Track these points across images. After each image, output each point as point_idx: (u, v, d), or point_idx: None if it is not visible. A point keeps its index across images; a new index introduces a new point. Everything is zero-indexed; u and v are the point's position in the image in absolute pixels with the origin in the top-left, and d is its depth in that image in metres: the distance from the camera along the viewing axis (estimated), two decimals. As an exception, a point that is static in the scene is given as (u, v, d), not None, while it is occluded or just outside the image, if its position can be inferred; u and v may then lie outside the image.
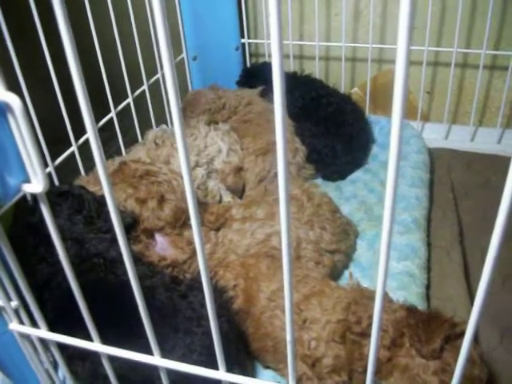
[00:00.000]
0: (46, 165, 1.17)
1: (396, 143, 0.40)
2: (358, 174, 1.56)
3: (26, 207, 1.04)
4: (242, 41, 1.83)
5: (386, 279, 0.50)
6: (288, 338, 0.55)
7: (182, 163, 0.48)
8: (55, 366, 0.88)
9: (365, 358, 0.87)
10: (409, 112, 1.77)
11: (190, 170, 0.48)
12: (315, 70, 1.77)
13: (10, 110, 0.48)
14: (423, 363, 0.81)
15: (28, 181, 0.53)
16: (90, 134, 0.49)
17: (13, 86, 0.50)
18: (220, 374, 0.61)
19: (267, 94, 1.65)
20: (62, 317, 0.83)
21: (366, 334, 0.87)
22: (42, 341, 0.79)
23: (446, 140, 1.76)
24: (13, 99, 0.47)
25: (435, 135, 1.76)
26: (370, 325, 0.87)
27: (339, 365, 0.87)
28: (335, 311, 0.90)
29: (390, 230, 0.45)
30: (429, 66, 1.70)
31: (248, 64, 1.89)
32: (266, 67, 1.78)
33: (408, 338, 0.83)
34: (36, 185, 0.53)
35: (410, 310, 0.87)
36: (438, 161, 1.59)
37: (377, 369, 0.89)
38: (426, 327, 0.82)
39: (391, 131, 0.40)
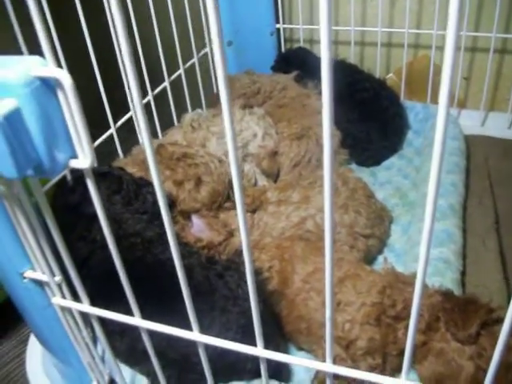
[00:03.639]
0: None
1: (441, 136, 0.40)
2: (392, 160, 1.55)
3: (66, 187, 1.07)
4: (277, 26, 1.82)
5: (427, 266, 0.50)
6: (327, 314, 0.55)
7: (229, 145, 0.48)
8: (94, 341, 0.90)
9: (399, 341, 0.87)
10: (444, 98, 1.74)
11: (236, 153, 0.49)
12: (350, 55, 1.76)
13: (59, 86, 0.49)
14: (459, 348, 0.81)
15: (75, 156, 0.54)
16: (138, 110, 0.49)
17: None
18: (258, 350, 0.62)
19: (302, 78, 1.64)
20: (99, 295, 0.85)
21: (400, 318, 0.88)
22: (83, 315, 0.81)
23: (483, 127, 1.73)
24: (63, 76, 0.48)
25: (471, 122, 1.72)
26: (404, 308, 0.88)
27: (373, 347, 0.87)
28: (370, 294, 0.90)
29: (433, 217, 0.45)
30: (466, 51, 1.67)
31: (283, 49, 1.88)
32: (301, 52, 1.77)
33: (443, 323, 0.83)
34: (83, 160, 0.54)
35: (446, 294, 0.86)
36: (474, 148, 1.56)
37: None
38: (462, 312, 0.82)
39: (437, 121, 0.40)
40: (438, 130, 0.40)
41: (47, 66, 0.50)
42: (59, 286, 0.76)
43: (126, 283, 0.67)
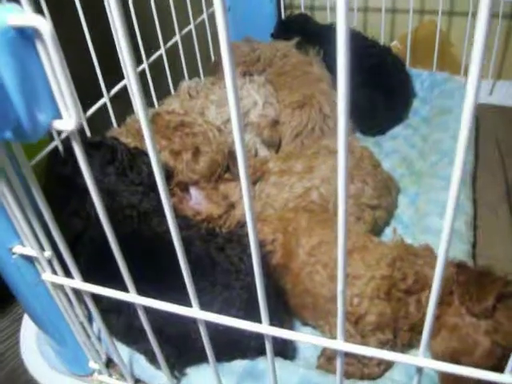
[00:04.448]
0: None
1: (469, 115, 0.35)
2: (397, 130, 1.50)
3: (58, 159, 1.02)
4: (277, -8, 1.75)
5: (451, 240, 0.45)
6: (339, 287, 0.51)
7: (232, 112, 0.43)
8: (90, 319, 0.86)
9: (410, 316, 0.83)
10: (451, 66, 1.69)
11: (240, 119, 0.43)
12: (352, 22, 1.69)
13: (38, 36, 0.44)
14: (474, 322, 0.77)
15: (59, 117, 0.49)
16: (131, 76, 0.44)
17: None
18: (263, 327, 0.58)
19: (303, 45, 1.58)
20: (94, 271, 0.81)
21: (411, 292, 0.83)
22: (76, 292, 0.77)
23: (491, 96, 1.67)
24: (42, 23, 0.43)
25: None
26: (415, 282, 0.83)
27: (383, 322, 0.83)
28: (379, 267, 0.85)
29: (458, 190, 0.40)
30: (473, 16, 1.60)
31: (283, 16, 1.82)
32: (302, 19, 1.72)
33: (457, 296, 0.78)
34: (67, 121, 0.49)
35: (460, 266, 0.82)
36: (482, 117, 1.51)
37: (423, 327, 0.85)
38: (477, 284, 0.77)
39: (465, 96, 0.37)
40: (466, 106, 0.37)
41: (24, 13, 0.44)
42: (49, 261, 0.72)
43: (119, 257, 0.62)
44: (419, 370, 0.55)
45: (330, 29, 1.63)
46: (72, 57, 1.10)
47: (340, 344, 0.56)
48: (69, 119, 0.49)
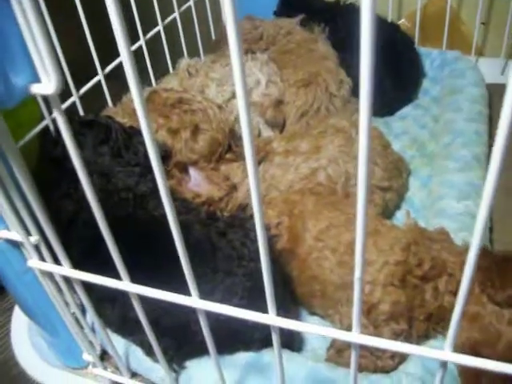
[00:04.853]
0: (69, 94, 1.07)
1: None
2: (407, 110, 1.43)
3: (49, 139, 0.96)
4: (280, -32, 1.67)
5: (487, 226, 0.40)
6: (357, 273, 0.45)
7: (237, 89, 0.37)
8: (83, 309, 0.81)
9: (426, 304, 0.77)
10: (461, 45, 1.62)
11: (246, 94, 0.37)
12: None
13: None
14: (497, 311, 0.71)
15: (37, 80, 0.43)
16: (124, 54, 0.38)
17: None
18: (270, 318, 0.52)
19: (308, 23, 1.51)
20: (89, 257, 0.75)
21: (427, 278, 0.78)
22: (67, 280, 0.71)
23: (503, 76, 1.60)
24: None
25: (491, 70, 1.60)
26: (432, 268, 0.77)
27: (398, 311, 0.77)
28: (393, 252, 0.79)
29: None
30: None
31: (286, -7, 1.74)
32: (306, -5, 1.64)
33: (478, 283, 0.72)
34: (47, 85, 0.43)
35: (481, 251, 0.76)
36: (494, 97, 1.44)
37: (441, 317, 0.79)
38: (500, 270, 0.72)
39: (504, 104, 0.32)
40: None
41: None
42: (36, 246, 0.66)
43: (110, 241, 0.56)
44: (443, 364, 0.49)
45: (335, 6, 1.56)
46: (67, 34, 1.06)
47: (355, 336, 0.50)
48: (48, 83, 0.43)
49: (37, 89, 0.43)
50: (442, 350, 0.48)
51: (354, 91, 1.37)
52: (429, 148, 1.26)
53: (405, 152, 1.24)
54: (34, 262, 0.67)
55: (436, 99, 1.44)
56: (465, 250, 0.79)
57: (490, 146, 1.23)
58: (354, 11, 1.55)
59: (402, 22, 1.73)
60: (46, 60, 0.42)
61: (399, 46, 1.44)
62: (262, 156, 1.03)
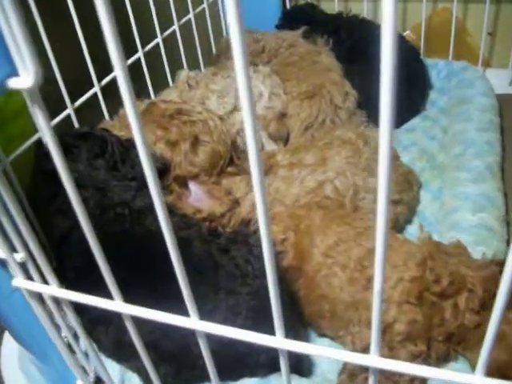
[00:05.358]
0: (64, 107, 1.02)
1: None
2: (414, 122, 1.39)
3: (43, 152, 0.91)
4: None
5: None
6: (377, 287, 0.40)
7: (242, 98, 0.32)
8: (76, 333, 0.75)
9: (446, 323, 0.72)
10: (468, 56, 1.58)
11: (253, 104, 0.33)
12: (363, 12, 1.59)
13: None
14: (523, 330, 0.65)
15: (15, 74, 0.39)
16: (116, 64, 0.34)
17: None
18: (278, 340, 0.46)
19: (311, 35, 1.48)
20: (83, 275, 0.71)
21: (446, 295, 0.72)
22: (57, 301, 0.66)
23: (511, 86, 1.57)
24: None
25: (498, 81, 1.56)
26: (451, 283, 0.72)
27: (415, 332, 0.71)
28: (408, 268, 0.74)
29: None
30: (491, 2, 1.49)
31: (287, 6, 1.72)
32: (308, 8, 1.63)
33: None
34: (25, 78, 0.38)
35: (504, 265, 0.70)
36: (503, 108, 1.40)
37: (462, 337, 0.73)
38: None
39: None
40: None
41: None
42: (23, 264, 0.61)
43: (100, 258, 0.51)
44: (473, 390, 0.44)
45: (338, 18, 1.54)
46: (63, 49, 1.02)
47: (375, 360, 0.44)
48: (26, 77, 0.38)
49: (14, 83, 0.39)
50: (472, 375, 0.42)
51: (360, 103, 1.33)
52: (438, 159, 1.22)
53: (414, 164, 1.20)
54: (19, 281, 0.62)
55: (444, 110, 1.40)
56: (487, 263, 0.74)
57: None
58: (357, 23, 1.52)
59: (407, 33, 1.70)
60: (23, 51, 0.37)
61: (405, 58, 1.41)
62: (266, 169, 0.98)
